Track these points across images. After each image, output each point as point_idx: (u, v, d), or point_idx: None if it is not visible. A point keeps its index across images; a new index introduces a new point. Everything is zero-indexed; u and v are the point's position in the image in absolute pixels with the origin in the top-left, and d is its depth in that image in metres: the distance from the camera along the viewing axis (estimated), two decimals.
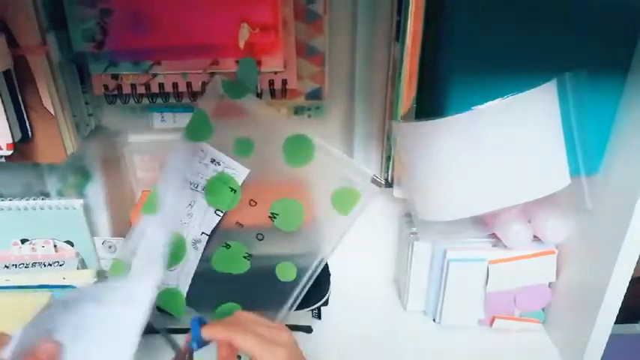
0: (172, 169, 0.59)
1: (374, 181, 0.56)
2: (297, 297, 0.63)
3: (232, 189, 0.60)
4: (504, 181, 0.56)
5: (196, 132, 0.59)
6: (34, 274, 0.68)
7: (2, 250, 0.69)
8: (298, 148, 0.57)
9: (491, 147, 0.55)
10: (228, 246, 0.62)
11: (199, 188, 0.60)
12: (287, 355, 0.48)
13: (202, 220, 0.61)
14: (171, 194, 0.58)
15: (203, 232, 0.61)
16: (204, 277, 0.62)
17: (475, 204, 0.58)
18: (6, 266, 0.68)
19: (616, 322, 0.60)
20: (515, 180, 0.56)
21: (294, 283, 0.62)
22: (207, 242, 0.62)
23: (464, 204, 0.59)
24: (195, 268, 0.62)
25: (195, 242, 0.62)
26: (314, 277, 0.62)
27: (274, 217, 0.60)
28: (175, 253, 0.62)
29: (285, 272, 0.62)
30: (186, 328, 0.51)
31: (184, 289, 0.63)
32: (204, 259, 0.62)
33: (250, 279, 0.62)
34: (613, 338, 0.61)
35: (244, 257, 0.62)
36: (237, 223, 0.61)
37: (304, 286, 0.62)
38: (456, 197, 0.59)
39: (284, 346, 0.49)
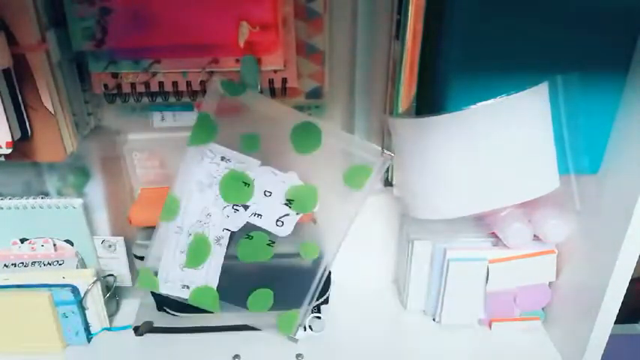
0: (185, 175, 0.61)
1: (384, 154, 0.59)
2: (322, 277, 0.64)
3: (246, 183, 0.61)
4: (494, 182, 0.56)
5: (201, 136, 0.59)
6: (34, 274, 0.68)
7: (2, 249, 0.69)
8: (306, 136, 0.58)
9: (481, 147, 0.55)
10: (250, 237, 0.63)
11: (214, 187, 0.61)
12: None
13: (222, 217, 0.62)
14: (187, 199, 0.61)
15: (225, 229, 0.63)
16: (232, 270, 0.63)
17: (464, 205, 0.58)
18: (5, 265, 0.68)
19: (616, 322, 0.60)
20: (504, 181, 0.56)
21: (318, 262, 0.64)
22: (230, 237, 0.63)
23: (454, 204, 0.59)
24: (222, 262, 0.64)
25: (219, 239, 0.63)
26: (336, 254, 0.63)
27: (290, 204, 0.61)
28: (200, 252, 0.63)
29: (309, 251, 0.64)
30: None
31: (214, 285, 0.64)
32: (230, 252, 0.64)
33: (276, 264, 0.64)
34: (613, 338, 0.61)
35: (267, 245, 0.63)
36: (255, 214, 0.62)
37: (328, 265, 0.64)
38: (446, 197, 0.59)
39: None
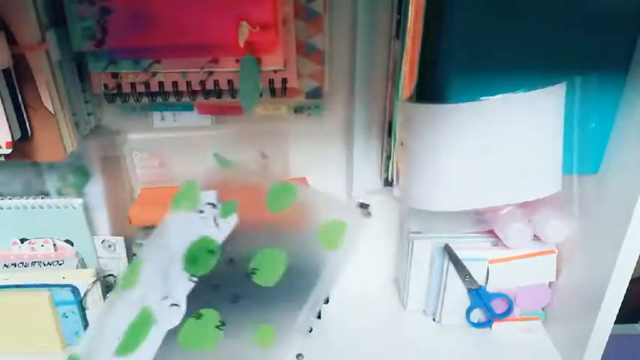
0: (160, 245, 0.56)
1: (361, 205, 0.52)
2: None
3: (211, 251, 0.56)
4: (498, 180, 0.56)
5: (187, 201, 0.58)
6: (34, 273, 0.68)
7: (2, 249, 0.69)
8: (281, 196, 0.55)
9: (491, 142, 0.55)
10: (200, 316, 0.54)
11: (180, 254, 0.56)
12: None
13: (174, 288, 0.55)
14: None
15: (173, 304, 0.55)
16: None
17: (466, 199, 0.58)
18: (5, 265, 0.68)
19: (616, 322, 0.59)
20: (508, 180, 0.56)
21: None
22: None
23: (456, 196, 0.58)
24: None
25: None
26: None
27: (253, 273, 0.54)
28: (139, 331, 0.55)
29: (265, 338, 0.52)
30: None
31: None
32: (171, 334, 0.54)
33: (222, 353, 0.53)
34: (613, 338, 0.60)
35: (216, 327, 0.53)
36: (213, 285, 0.55)
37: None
38: (448, 188, 0.58)
39: None
